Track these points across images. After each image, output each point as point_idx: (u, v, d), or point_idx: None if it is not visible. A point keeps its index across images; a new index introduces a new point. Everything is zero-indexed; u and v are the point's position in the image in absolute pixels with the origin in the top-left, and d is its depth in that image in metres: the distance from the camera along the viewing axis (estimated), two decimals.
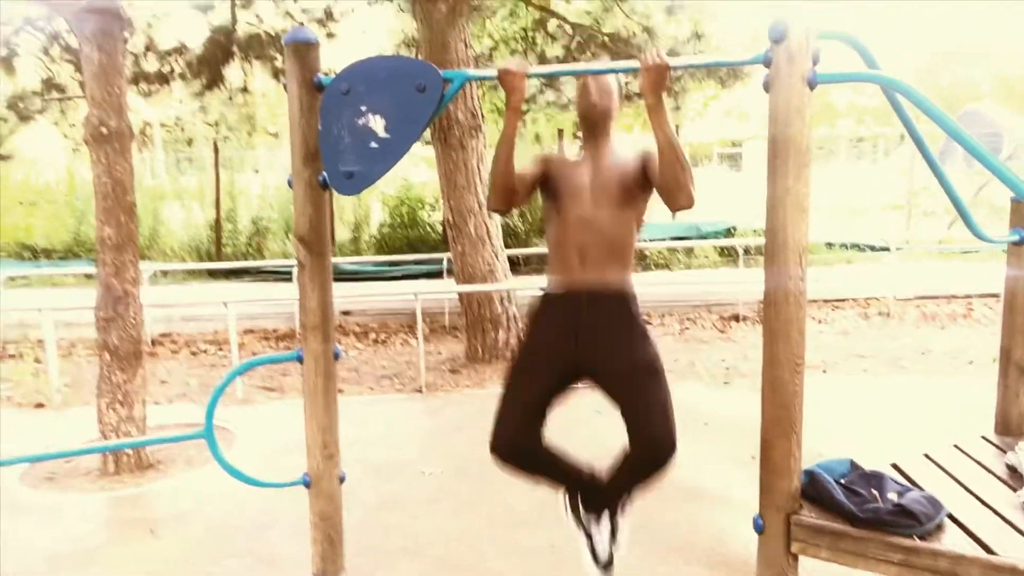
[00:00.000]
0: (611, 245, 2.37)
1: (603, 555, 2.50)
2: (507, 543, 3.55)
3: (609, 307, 2.37)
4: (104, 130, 4.30)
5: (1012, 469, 2.43)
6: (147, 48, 9.13)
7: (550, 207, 2.50)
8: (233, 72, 9.78)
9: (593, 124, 2.50)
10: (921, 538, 2.00)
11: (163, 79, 9.24)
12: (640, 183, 2.41)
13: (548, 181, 2.50)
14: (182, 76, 9.36)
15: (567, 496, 2.57)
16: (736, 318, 8.63)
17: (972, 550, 1.95)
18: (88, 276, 10.80)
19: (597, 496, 2.50)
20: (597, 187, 2.40)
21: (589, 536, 2.52)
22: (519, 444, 2.39)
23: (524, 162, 2.50)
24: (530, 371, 2.42)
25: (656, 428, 2.26)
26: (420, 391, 6.23)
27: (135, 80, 8.99)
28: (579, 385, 2.44)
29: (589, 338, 2.34)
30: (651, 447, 2.27)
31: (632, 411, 2.29)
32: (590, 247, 2.36)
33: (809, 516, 2.11)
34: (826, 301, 9.14)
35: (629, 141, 16.78)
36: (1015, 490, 2.29)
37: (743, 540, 3.40)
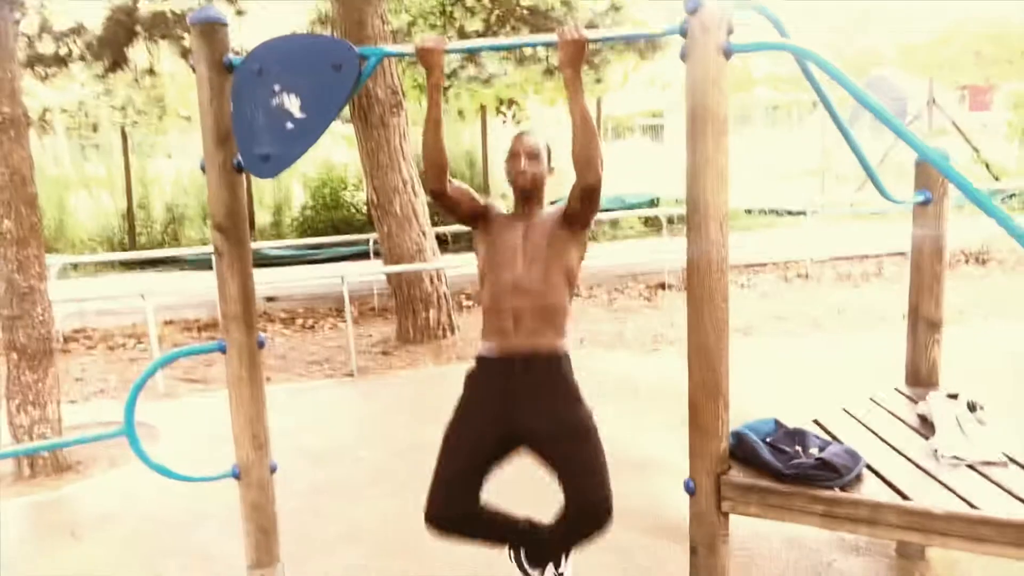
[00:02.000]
0: (544, 309, 2.37)
1: None
2: None
3: (541, 371, 2.37)
4: None
5: (923, 418, 2.56)
6: (42, 29, 8.62)
7: (483, 262, 2.47)
8: (138, 53, 9.34)
9: (524, 190, 2.47)
10: (842, 489, 2.08)
11: (61, 61, 8.76)
12: (566, 229, 2.41)
13: (484, 227, 2.49)
14: (82, 58, 8.88)
15: (511, 552, 2.60)
16: (662, 286, 8.81)
17: (889, 497, 2.04)
18: None
19: (539, 551, 2.54)
20: (530, 249, 2.39)
21: None
22: (453, 515, 2.40)
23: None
24: (463, 438, 2.41)
25: (590, 493, 2.31)
26: (352, 375, 6.15)
27: (30, 63, 8.49)
28: (514, 454, 2.44)
29: (522, 402, 2.35)
30: (586, 512, 2.33)
31: (566, 476, 2.33)
32: (524, 312, 2.35)
33: (738, 476, 2.18)
34: (747, 266, 9.42)
35: (552, 116, 16.85)
36: (927, 438, 2.41)
37: (676, 503, 3.48)
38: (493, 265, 2.42)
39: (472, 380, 2.47)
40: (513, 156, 2.47)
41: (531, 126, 16.66)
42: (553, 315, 2.39)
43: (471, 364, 2.47)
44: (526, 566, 2.58)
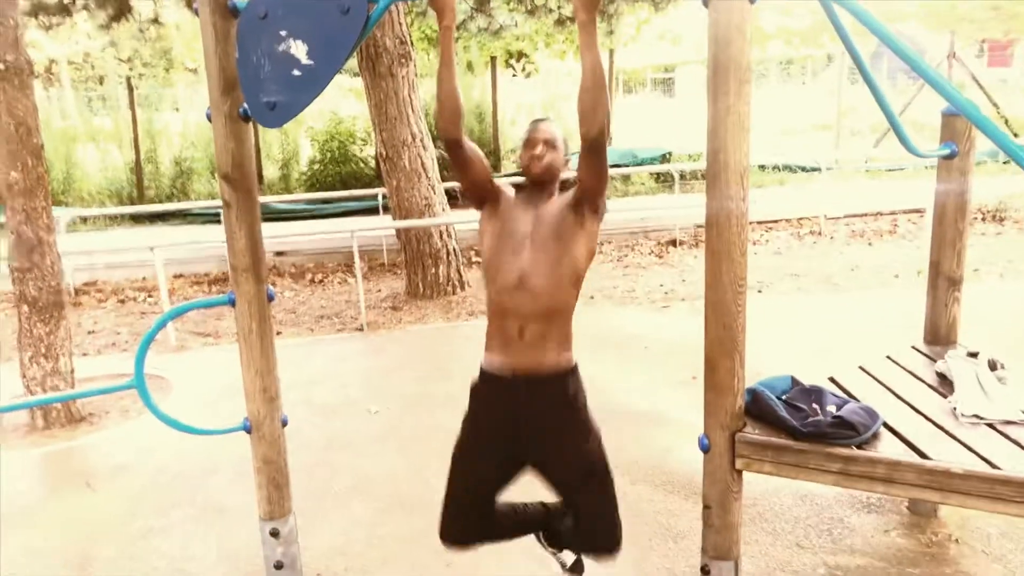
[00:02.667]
0: (549, 313, 2.21)
1: (569, 560, 2.55)
2: None
3: (548, 394, 2.25)
4: (1, 66, 3.98)
5: (942, 377, 2.52)
6: None
7: (487, 251, 2.32)
8: (142, 3, 9.16)
9: (538, 179, 2.30)
10: (859, 447, 2.06)
11: (64, 10, 8.60)
12: (576, 215, 2.24)
13: (492, 210, 2.34)
14: (85, 7, 8.72)
15: (534, 535, 2.58)
16: (673, 243, 8.73)
17: (907, 456, 2.01)
18: None
19: (555, 533, 2.52)
20: (538, 240, 2.24)
21: (559, 559, 2.57)
22: (467, 534, 2.39)
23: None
24: (473, 458, 2.35)
25: (600, 536, 2.31)
26: (361, 330, 6.15)
27: (33, 12, 8.34)
28: (525, 470, 2.39)
29: (529, 431, 2.26)
30: (595, 551, 2.35)
31: (577, 516, 2.33)
32: (528, 318, 2.20)
33: (753, 433, 2.15)
34: (760, 223, 9.31)
35: (562, 69, 16.56)
36: (945, 396, 2.37)
37: (686, 459, 3.49)
38: (498, 254, 2.27)
39: (477, 397, 2.36)
40: (529, 143, 2.32)
41: (542, 80, 16.40)
42: (559, 320, 2.24)
43: (475, 377, 2.35)
44: (545, 545, 2.58)
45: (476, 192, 2.35)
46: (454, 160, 2.32)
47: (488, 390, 2.32)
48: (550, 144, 2.30)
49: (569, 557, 2.54)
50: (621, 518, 2.32)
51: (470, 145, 2.33)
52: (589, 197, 2.22)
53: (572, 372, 2.29)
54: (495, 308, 2.28)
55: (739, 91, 1.99)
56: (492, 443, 2.31)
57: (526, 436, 2.27)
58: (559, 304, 2.23)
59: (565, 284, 2.23)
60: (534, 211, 2.29)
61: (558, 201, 2.30)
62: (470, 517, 2.36)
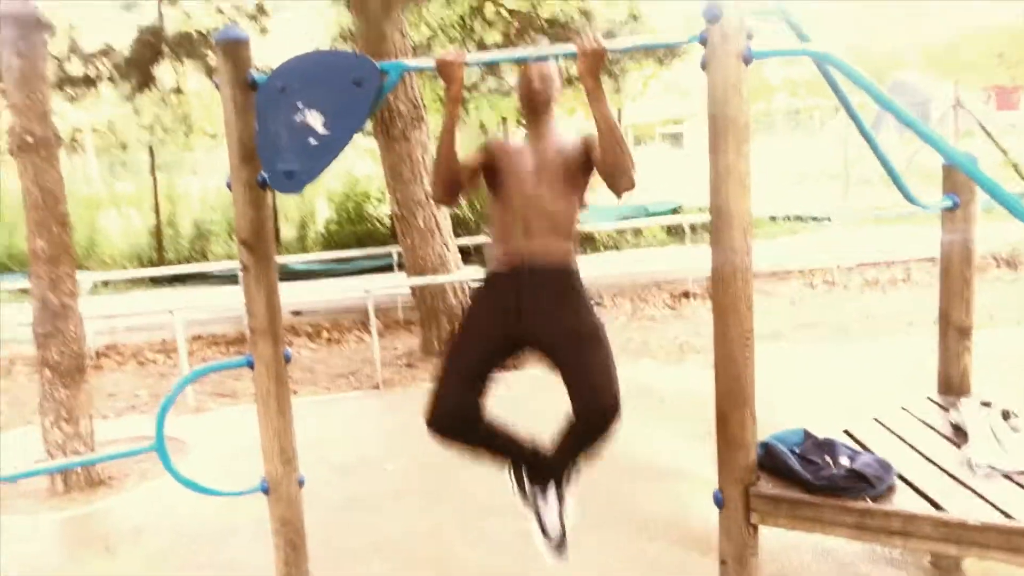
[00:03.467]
0: (553, 221, 2.38)
1: (553, 531, 2.47)
2: (475, 534, 3.55)
3: (552, 280, 2.37)
4: (29, 139, 4.14)
5: (956, 427, 2.51)
6: (71, 51, 8.80)
7: (494, 192, 2.48)
8: (164, 72, 9.50)
9: (535, 110, 2.50)
10: (874, 500, 2.05)
11: (90, 82, 8.93)
12: (581, 166, 2.43)
13: (492, 168, 2.49)
14: (110, 79, 9.06)
15: (512, 471, 2.54)
16: (686, 295, 8.75)
17: (923, 508, 2.01)
18: (23, 291, 10.41)
19: (541, 468, 2.47)
20: (540, 169, 2.41)
21: (538, 513, 2.49)
22: (457, 416, 2.35)
23: (468, 151, 2.48)
24: (470, 343, 2.39)
25: (599, 392, 2.24)
26: (377, 387, 6.17)
27: (60, 85, 8.67)
28: (520, 354, 2.41)
29: (531, 309, 2.33)
30: (594, 411, 2.24)
31: (574, 376, 2.27)
32: (533, 223, 2.37)
33: (767, 487, 2.15)
34: (772, 273, 9.33)
35: (572, 125, 16.84)
36: (959, 447, 2.37)
37: (703, 514, 3.45)
38: (503, 184, 2.42)
39: (480, 292, 2.46)
40: (524, 77, 2.49)
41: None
42: (563, 227, 2.39)
43: (479, 281, 2.47)
44: (527, 488, 2.50)
45: (482, 177, 2.51)
46: (454, 202, 2.52)
47: (492, 285, 2.43)
48: (546, 79, 2.48)
49: (552, 523, 2.47)
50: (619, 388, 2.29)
51: (461, 183, 2.44)
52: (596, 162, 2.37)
53: (576, 272, 2.41)
54: (501, 223, 2.42)
55: (738, 150, 2.06)
56: (491, 325, 2.37)
57: (527, 314, 2.33)
58: (562, 215, 2.40)
59: (567, 198, 2.41)
60: (536, 144, 2.47)
61: (564, 140, 2.47)
62: (461, 402, 2.33)
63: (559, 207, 2.39)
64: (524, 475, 2.52)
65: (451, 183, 2.40)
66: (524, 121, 2.55)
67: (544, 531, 2.49)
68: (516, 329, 2.35)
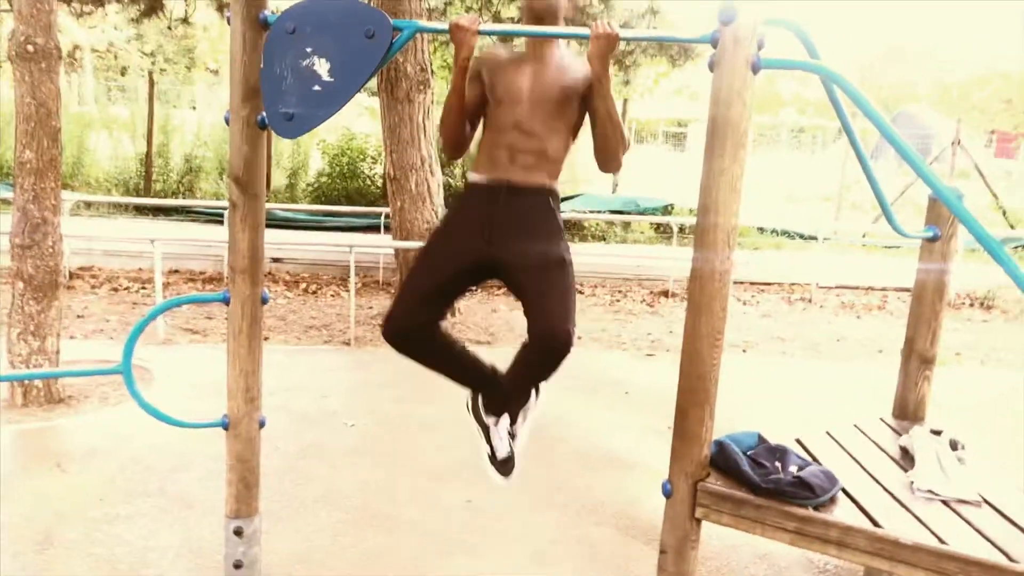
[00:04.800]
0: (541, 150, 2.36)
1: (501, 452, 2.49)
2: (426, 497, 3.60)
3: (528, 201, 2.35)
4: (30, 48, 4.08)
5: (905, 451, 2.58)
6: None
7: (486, 118, 2.44)
8: (174, 1, 9.35)
9: (539, 16, 2.34)
10: (816, 509, 2.11)
11: (97, 1, 8.77)
12: (580, 101, 2.37)
13: (489, 87, 2.42)
14: (119, 0, 8.90)
15: (469, 394, 2.55)
16: (665, 294, 8.83)
17: (860, 522, 2.07)
18: (4, 201, 10.28)
19: (497, 395, 2.48)
20: (536, 95, 2.35)
21: (487, 435, 2.51)
22: (411, 325, 2.34)
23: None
24: (438, 256, 2.39)
25: (555, 320, 2.22)
26: (348, 344, 6.19)
27: None
28: (485, 280, 2.42)
29: (503, 228, 2.33)
30: (548, 337, 2.22)
31: (533, 301, 2.26)
32: (520, 148, 2.34)
33: (715, 484, 2.21)
34: (752, 283, 9.42)
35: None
36: (905, 470, 2.43)
37: (652, 505, 3.53)
38: (496, 106, 2.38)
39: (456, 202, 2.46)
40: None
41: None
42: (550, 157, 2.38)
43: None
44: (482, 414, 2.52)
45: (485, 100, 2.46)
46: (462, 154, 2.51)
47: (469, 196, 2.41)
48: None
49: (501, 445, 2.49)
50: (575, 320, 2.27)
51: (468, 140, 2.45)
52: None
53: (554, 193, 2.39)
54: (488, 143, 2.39)
55: (734, 154, 2.08)
56: (462, 239, 2.36)
57: (499, 231, 2.32)
58: (550, 147, 2.36)
59: (559, 131, 2.37)
60: (533, 63, 2.38)
61: (566, 64, 2.39)
62: (419, 310, 2.34)
63: (549, 137, 2.35)
64: (480, 400, 2.53)
65: (459, 141, 2.42)
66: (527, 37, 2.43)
67: (492, 452, 2.51)
68: (485, 249, 2.33)
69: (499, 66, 2.42)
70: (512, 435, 2.51)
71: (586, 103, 2.37)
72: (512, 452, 2.50)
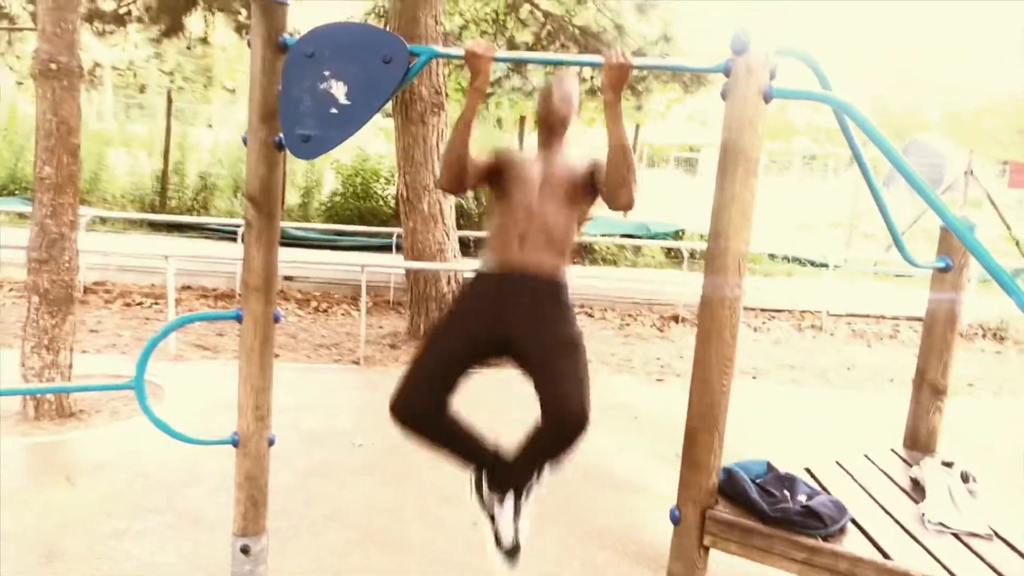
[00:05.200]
0: (551, 236, 2.41)
1: (507, 539, 2.46)
2: (432, 518, 3.59)
3: (539, 289, 2.39)
4: (53, 66, 4.16)
5: (915, 482, 2.57)
6: None
7: (497, 198, 2.52)
8: (194, 22, 9.50)
9: (551, 128, 2.55)
10: (824, 539, 2.10)
11: (120, 20, 8.93)
12: (586, 187, 2.47)
13: (499, 175, 2.52)
14: (140, 19, 9.05)
15: (473, 474, 2.53)
16: (676, 319, 8.81)
17: (870, 554, 2.06)
18: (22, 216, 10.41)
19: (502, 475, 2.45)
20: (546, 183, 2.45)
21: (493, 519, 2.49)
22: (420, 407, 2.35)
23: (482, 149, 2.51)
24: (448, 338, 2.41)
25: (569, 400, 2.20)
26: (358, 363, 6.21)
27: (90, 18, 8.66)
28: (494, 362, 2.41)
29: (514, 314, 2.35)
30: (562, 419, 2.21)
31: (546, 383, 2.25)
32: (530, 234, 2.40)
33: (723, 511, 2.20)
34: (763, 310, 9.40)
35: (590, 135, 16.92)
36: (916, 502, 2.42)
37: (657, 532, 3.51)
38: (507, 193, 2.45)
39: (467, 289, 2.49)
40: (548, 95, 2.57)
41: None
42: (560, 243, 2.42)
43: (468, 276, 2.51)
44: (486, 494, 2.49)
45: (488, 180, 2.55)
46: (459, 192, 2.55)
47: (480, 284, 2.46)
48: (567, 99, 2.56)
49: (507, 531, 2.45)
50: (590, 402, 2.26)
51: (468, 173, 2.46)
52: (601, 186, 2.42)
53: (565, 285, 2.43)
54: (499, 229, 2.45)
55: (745, 181, 2.10)
56: (472, 323, 2.39)
57: (509, 323, 2.34)
58: (560, 234, 2.43)
59: (568, 219, 2.45)
60: (545, 160, 2.52)
61: (573, 159, 2.52)
62: (427, 394, 2.35)
63: (558, 224, 2.43)
64: (484, 480, 2.50)
65: (459, 173, 2.42)
66: (538, 136, 2.59)
67: (497, 538, 2.47)
68: (496, 332, 2.36)
69: (514, 159, 2.54)
70: (518, 511, 2.47)
71: (591, 189, 2.46)
72: (518, 539, 2.46)
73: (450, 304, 2.51)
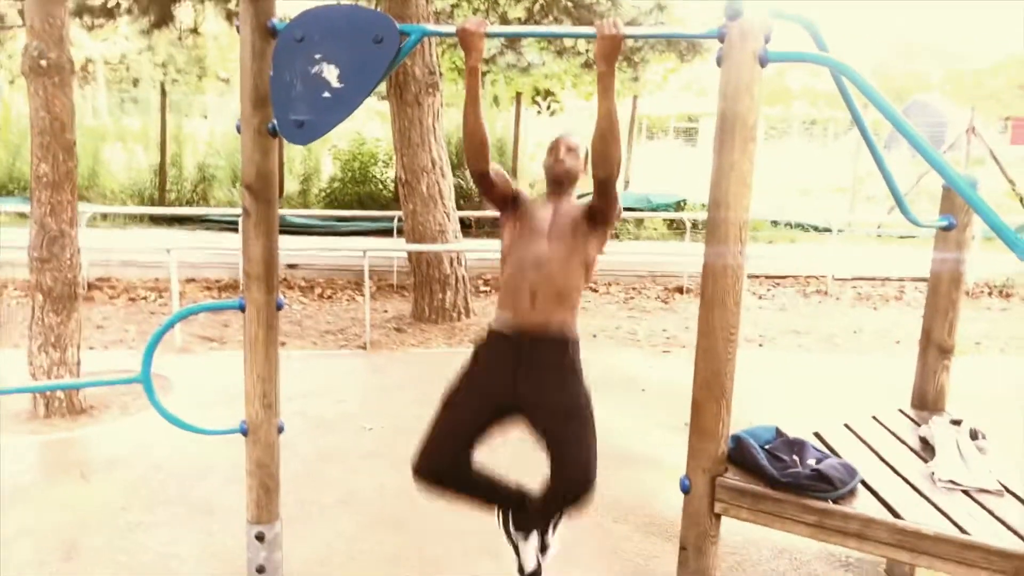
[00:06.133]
0: (561, 289, 2.45)
1: (528, 567, 2.59)
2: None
3: (550, 350, 2.45)
4: (43, 62, 4.13)
5: (924, 441, 2.56)
6: None
7: (508, 240, 2.56)
8: (184, 12, 9.43)
9: (558, 181, 2.59)
10: (835, 502, 2.10)
11: (108, 13, 8.86)
12: (589, 222, 2.50)
13: (510, 210, 2.58)
14: (129, 11, 8.98)
15: (499, 511, 2.65)
16: (680, 290, 8.80)
17: (881, 514, 2.06)
18: (22, 215, 10.41)
19: (526, 515, 2.58)
20: (553, 232, 2.50)
21: (516, 549, 2.62)
22: (440, 469, 2.47)
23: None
24: (464, 400, 2.50)
25: (576, 468, 2.36)
26: (364, 348, 6.22)
27: (78, 12, 8.60)
28: (510, 423, 2.51)
29: (526, 375, 2.43)
30: (569, 486, 2.37)
31: (555, 449, 2.38)
32: (540, 290, 2.44)
33: (733, 479, 2.20)
34: (768, 277, 9.38)
35: (587, 108, 16.81)
36: (925, 461, 2.42)
37: (670, 502, 3.52)
38: (518, 241, 2.51)
39: (480, 351, 2.55)
40: (554, 148, 2.62)
41: (566, 119, 16.64)
42: (567, 295, 2.47)
43: (482, 334, 2.55)
44: (512, 531, 2.62)
45: (501, 201, 2.61)
46: (481, 186, 2.59)
47: (492, 344, 2.51)
48: (572, 151, 2.61)
49: (529, 560, 2.58)
50: (598, 465, 2.40)
51: (495, 169, 2.57)
52: (601, 214, 2.50)
53: (573, 342, 2.50)
54: (510, 278, 2.49)
55: (743, 148, 2.08)
56: (487, 386, 2.48)
57: (522, 387, 2.43)
58: (568, 282, 2.48)
59: (576, 268, 2.49)
60: (552, 208, 2.57)
61: (575, 205, 2.58)
62: (448, 455, 2.47)
63: (568, 275, 2.47)
64: (510, 518, 2.63)
65: (480, 148, 2.47)
66: (546, 189, 2.65)
67: (521, 567, 2.60)
68: (508, 396, 2.45)
69: (526, 201, 2.60)
70: (544, 546, 2.62)
71: (592, 223, 2.50)
72: (540, 566, 2.60)
73: (465, 365, 2.56)
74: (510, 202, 2.60)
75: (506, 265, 2.54)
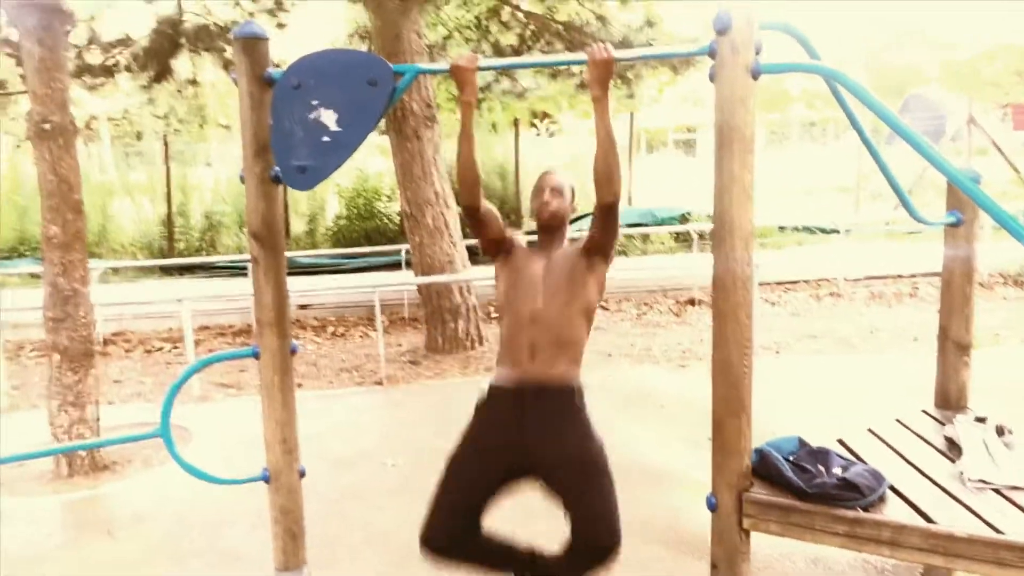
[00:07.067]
0: (561, 339, 2.37)
1: None
2: None
3: (555, 401, 2.35)
4: (47, 126, 4.20)
5: (950, 441, 2.53)
6: (90, 40, 8.87)
7: (503, 294, 2.49)
8: (181, 64, 9.57)
9: (547, 224, 2.52)
10: (865, 510, 2.08)
11: (108, 72, 9.01)
12: (587, 261, 2.43)
13: (505, 258, 2.52)
14: (128, 68, 9.13)
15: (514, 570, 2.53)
16: (692, 302, 8.77)
17: (912, 519, 2.03)
18: (34, 276, 10.51)
19: (542, 574, 2.46)
20: (550, 282, 2.41)
21: None
22: (448, 539, 2.36)
23: (482, 157, 2.49)
24: (469, 462, 2.39)
25: (599, 526, 2.26)
26: (380, 383, 6.22)
27: (79, 73, 8.75)
28: (519, 485, 2.41)
29: (532, 432, 2.32)
30: (593, 546, 2.27)
31: (575, 508, 2.29)
32: (540, 342, 2.36)
33: (760, 493, 2.18)
34: (778, 283, 9.33)
35: (585, 127, 16.89)
36: (953, 461, 2.39)
37: (698, 519, 3.48)
38: (512, 297, 2.44)
39: (482, 408, 2.45)
40: (538, 191, 2.55)
41: (566, 139, 16.73)
42: (569, 347, 2.38)
43: (482, 391, 2.44)
44: None
45: (492, 246, 2.55)
46: (472, 223, 2.53)
47: (495, 401, 2.41)
48: (557, 192, 2.53)
49: None
50: (620, 522, 2.30)
51: (486, 207, 2.52)
52: (600, 249, 2.43)
53: (579, 390, 2.39)
54: (508, 337, 2.42)
55: (743, 160, 2.09)
56: (492, 448, 2.37)
57: (529, 441, 2.32)
58: (569, 335, 2.39)
59: (575, 318, 2.40)
60: (546, 255, 2.49)
61: (569, 247, 2.50)
62: (457, 524, 2.36)
63: (567, 324, 2.38)
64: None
65: (474, 185, 2.43)
66: (537, 235, 2.57)
67: None
68: (516, 456, 2.34)
69: (519, 247, 2.54)
70: None
71: (591, 261, 2.43)
72: None
73: (466, 427, 2.45)
74: (502, 247, 2.53)
75: (503, 321, 2.46)
